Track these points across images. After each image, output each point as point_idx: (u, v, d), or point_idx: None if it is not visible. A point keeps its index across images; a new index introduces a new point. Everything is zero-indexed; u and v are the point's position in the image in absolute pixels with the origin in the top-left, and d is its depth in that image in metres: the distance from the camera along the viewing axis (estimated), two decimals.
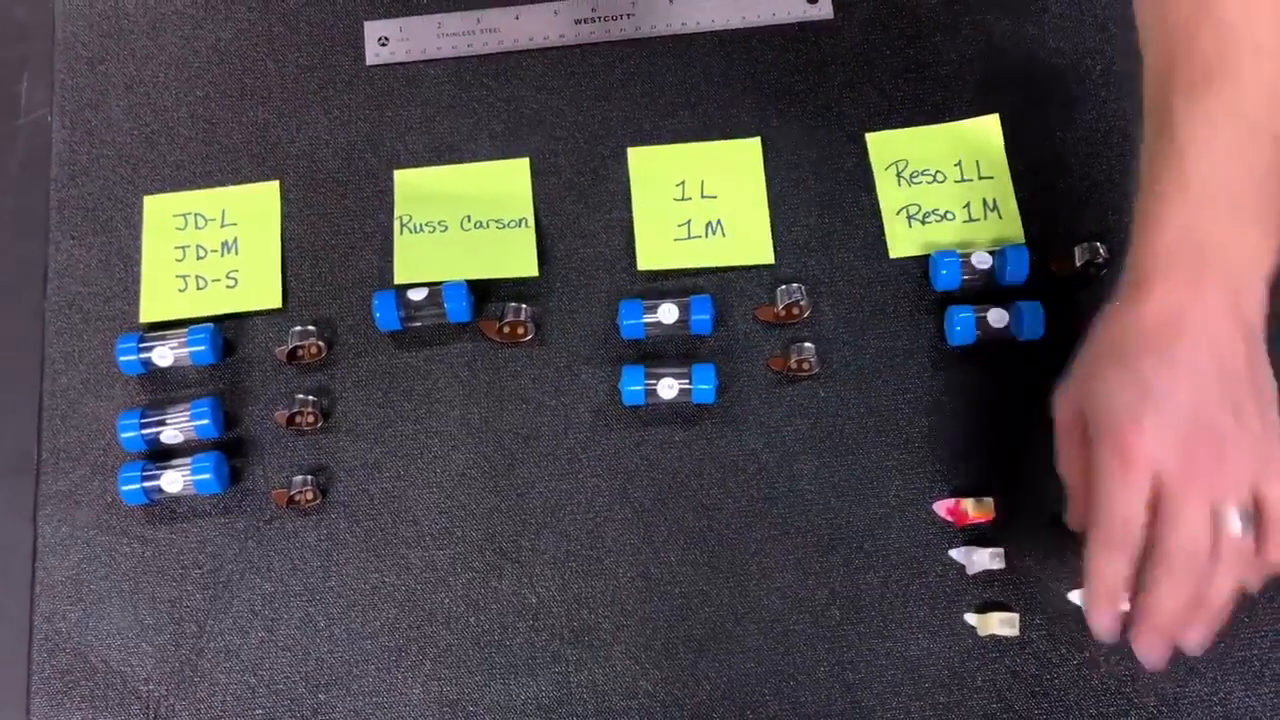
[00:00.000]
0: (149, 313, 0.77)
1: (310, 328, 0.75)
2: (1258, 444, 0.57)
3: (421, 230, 0.77)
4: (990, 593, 0.70)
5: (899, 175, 0.78)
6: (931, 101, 0.80)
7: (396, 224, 0.78)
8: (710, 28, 0.81)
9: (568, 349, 0.75)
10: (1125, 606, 0.68)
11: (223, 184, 0.79)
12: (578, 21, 0.82)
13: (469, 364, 0.75)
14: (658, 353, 0.75)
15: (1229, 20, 0.59)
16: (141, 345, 0.74)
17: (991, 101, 0.79)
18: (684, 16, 0.82)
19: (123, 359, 0.74)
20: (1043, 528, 0.71)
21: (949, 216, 0.77)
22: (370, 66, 0.81)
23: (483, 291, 0.76)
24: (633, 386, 0.72)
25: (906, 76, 0.80)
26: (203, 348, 0.74)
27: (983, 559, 0.70)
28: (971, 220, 0.77)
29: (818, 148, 0.79)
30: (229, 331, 0.77)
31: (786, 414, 0.74)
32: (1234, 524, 0.56)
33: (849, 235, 0.77)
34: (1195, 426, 0.56)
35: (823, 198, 0.78)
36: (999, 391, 0.74)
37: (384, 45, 0.82)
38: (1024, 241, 0.76)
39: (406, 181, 0.79)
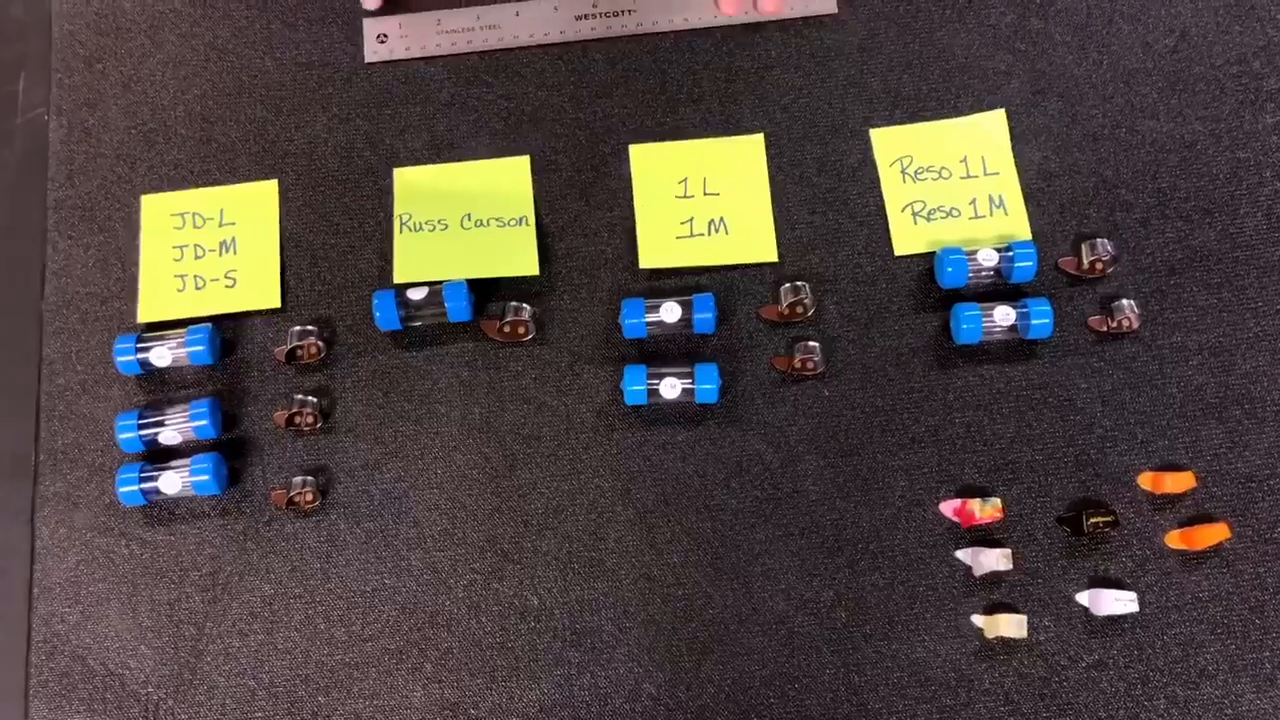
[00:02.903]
0: (147, 313, 0.76)
1: (309, 327, 0.75)
2: None
3: (421, 229, 0.77)
4: (997, 594, 0.70)
5: (903, 171, 0.77)
6: (936, 97, 0.79)
7: (396, 222, 0.77)
8: (713, 23, 0.81)
9: (569, 348, 0.75)
10: (1130, 607, 0.68)
11: (221, 183, 0.79)
12: (578, 17, 0.81)
13: (470, 364, 0.75)
14: (660, 352, 0.75)
15: None
16: (139, 345, 0.73)
17: (997, 97, 0.78)
18: (685, 11, 0.81)
19: (120, 359, 0.73)
20: (1051, 528, 0.70)
21: (954, 213, 0.76)
22: (369, 64, 0.81)
23: (483, 290, 0.76)
24: (635, 386, 0.72)
25: (911, 71, 0.79)
26: (201, 348, 0.73)
27: (990, 560, 0.69)
28: (977, 217, 0.76)
29: (821, 144, 0.78)
30: (227, 331, 0.76)
31: (790, 413, 0.73)
32: None
33: (853, 232, 0.76)
34: None
35: (826, 195, 0.77)
36: (1006, 390, 0.73)
37: (383, 42, 0.81)
38: (1030, 238, 0.75)
39: (406, 180, 0.78)
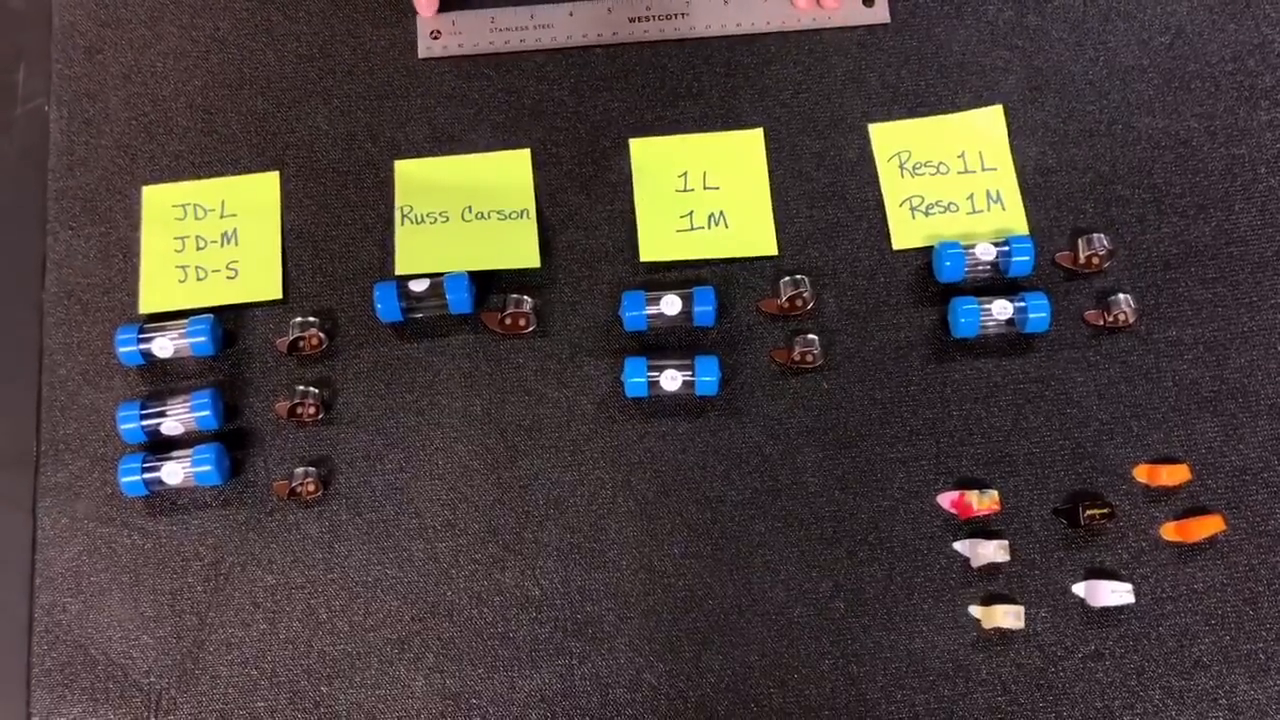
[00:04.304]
0: (148, 304, 0.76)
1: (311, 319, 0.75)
2: None
3: (422, 221, 0.77)
4: (995, 585, 0.70)
5: (902, 166, 0.78)
6: (934, 92, 0.79)
7: (397, 214, 0.77)
8: (765, 29, 0.81)
9: (570, 340, 0.75)
10: (1126, 598, 0.69)
11: (222, 174, 0.79)
12: (632, 20, 0.81)
13: (471, 355, 0.75)
14: (660, 344, 0.75)
15: None
16: (141, 336, 0.73)
17: (995, 92, 0.79)
18: (739, 17, 0.81)
19: (122, 350, 0.73)
20: (1047, 520, 0.71)
21: (952, 208, 0.77)
22: (371, 56, 0.81)
23: (484, 282, 0.76)
24: (635, 378, 0.72)
25: (909, 67, 0.80)
26: (203, 339, 0.73)
27: (987, 551, 0.70)
28: (975, 212, 0.76)
29: (820, 139, 0.78)
30: (229, 322, 0.76)
31: (790, 406, 0.73)
32: None
33: (852, 227, 0.77)
34: None
35: (825, 189, 0.77)
36: (1003, 384, 0.73)
37: (436, 38, 0.81)
38: (1027, 233, 0.75)
39: (407, 172, 0.78)
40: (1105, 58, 0.80)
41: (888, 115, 0.79)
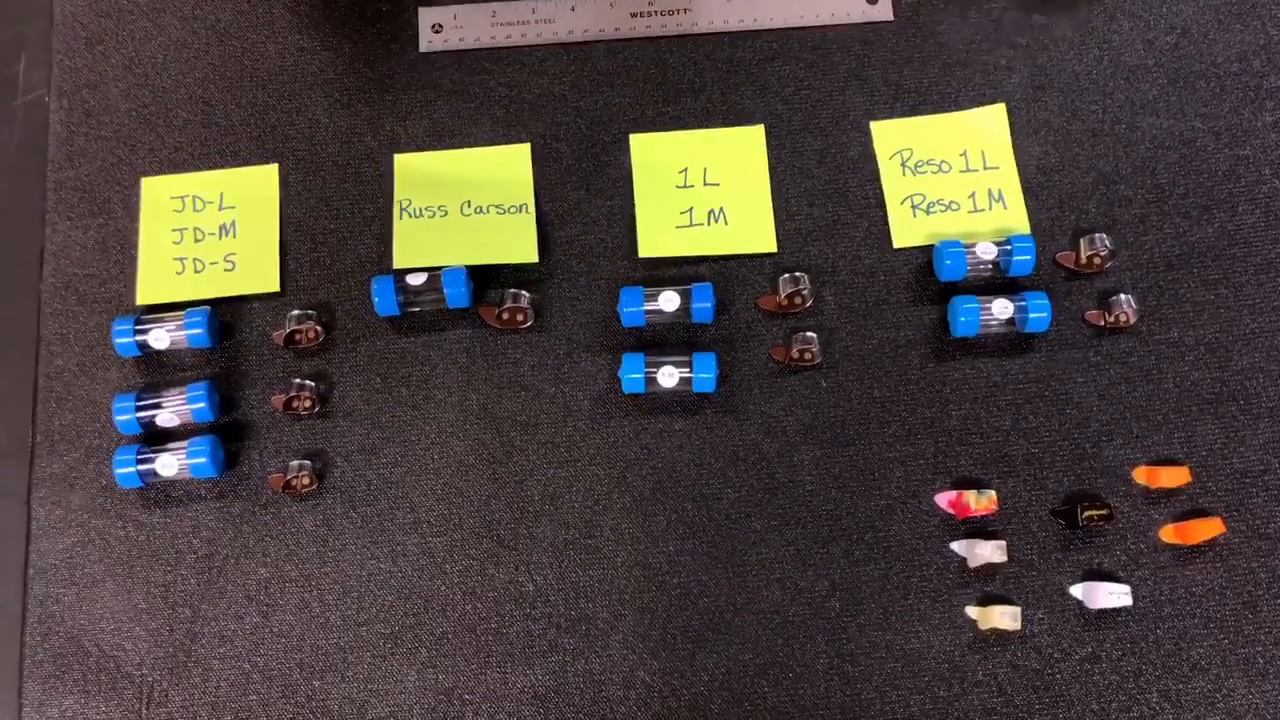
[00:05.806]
0: (145, 295, 0.76)
1: (308, 312, 0.75)
2: None
3: (421, 215, 0.77)
4: (992, 586, 0.70)
5: (903, 164, 0.77)
6: (937, 90, 0.79)
7: (396, 208, 0.77)
8: (769, 25, 0.80)
9: (568, 336, 0.75)
10: (1124, 600, 0.68)
11: (221, 166, 0.79)
12: (633, 15, 0.80)
13: (468, 350, 0.75)
14: (658, 341, 0.75)
15: None
16: (138, 328, 0.73)
17: (998, 91, 0.79)
18: (741, 13, 0.80)
19: (119, 341, 0.73)
20: (1045, 521, 0.71)
21: (954, 206, 0.76)
22: (373, 49, 0.80)
23: (482, 277, 0.76)
24: (633, 374, 0.72)
25: (911, 65, 0.79)
26: (199, 331, 0.73)
27: (984, 551, 0.69)
28: (976, 210, 0.76)
29: (822, 136, 0.78)
30: (226, 315, 0.76)
31: (788, 404, 0.73)
32: None
33: (852, 224, 0.76)
34: None
35: (826, 186, 0.77)
36: (1003, 383, 0.73)
37: (438, 32, 0.81)
38: (1029, 232, 0.75)
39: (406, 165, 0.78)
40: (1109, 57, 0.79)
41: (890, 113, 0.79)
